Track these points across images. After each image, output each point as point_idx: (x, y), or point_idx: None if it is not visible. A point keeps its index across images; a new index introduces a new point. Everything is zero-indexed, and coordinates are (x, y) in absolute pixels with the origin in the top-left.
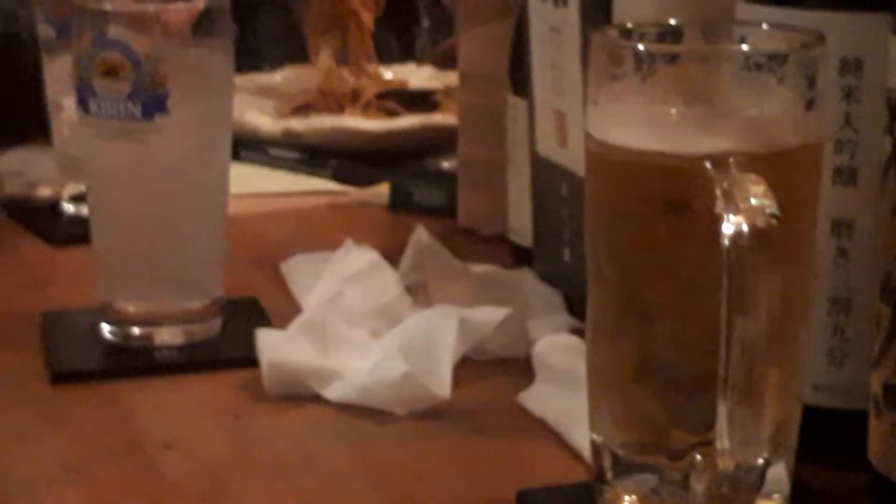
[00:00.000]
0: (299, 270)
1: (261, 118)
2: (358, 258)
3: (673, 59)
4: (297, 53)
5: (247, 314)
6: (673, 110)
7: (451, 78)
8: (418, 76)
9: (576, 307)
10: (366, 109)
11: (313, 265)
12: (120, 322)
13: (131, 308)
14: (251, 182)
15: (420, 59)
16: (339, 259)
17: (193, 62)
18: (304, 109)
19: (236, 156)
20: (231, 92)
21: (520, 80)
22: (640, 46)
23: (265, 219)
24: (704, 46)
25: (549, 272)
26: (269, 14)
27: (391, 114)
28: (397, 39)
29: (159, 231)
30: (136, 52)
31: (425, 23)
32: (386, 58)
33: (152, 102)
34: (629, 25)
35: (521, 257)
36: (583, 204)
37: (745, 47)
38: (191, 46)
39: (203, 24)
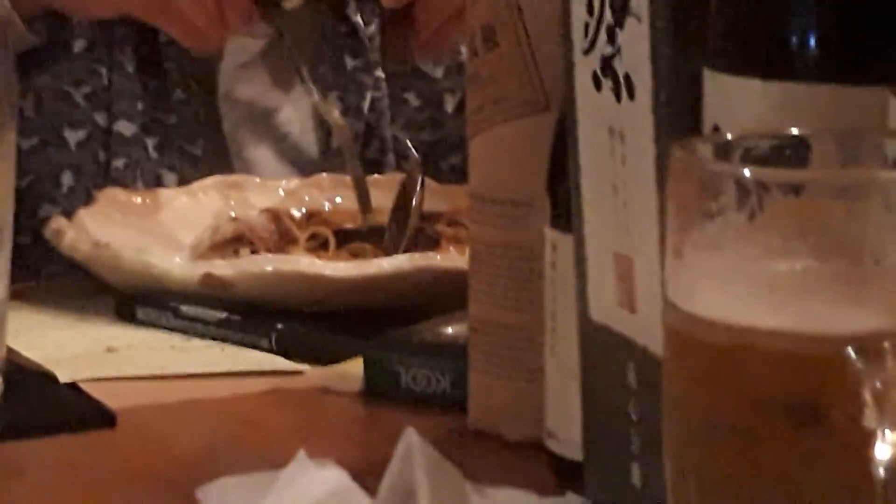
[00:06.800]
0: (226, 500)
1: (168, 259)
2: (315, 481)
3: (796, 189)
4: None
5: None
6: (797, 267)
7: (461, 196)
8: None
9: None
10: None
11: (247, 491)
12: None
13: None
14: (153, 358)
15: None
16: (287, 482)
17: None
18: (232, 245)
19: (132, 317)
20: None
21: (562, 207)
22: (746, 171)
23: (175, 415)
24: (843, 171)
25: (609, 501)
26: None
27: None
28: None
29: None
30: None
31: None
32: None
33: None
34: (729, 136)
35: (565, 476)
36: (660, 398)
37: None
38: None
39: None
